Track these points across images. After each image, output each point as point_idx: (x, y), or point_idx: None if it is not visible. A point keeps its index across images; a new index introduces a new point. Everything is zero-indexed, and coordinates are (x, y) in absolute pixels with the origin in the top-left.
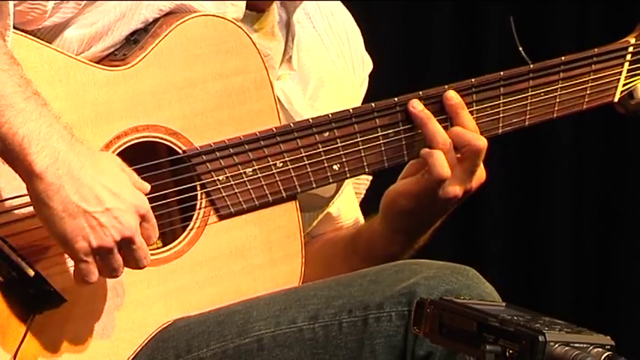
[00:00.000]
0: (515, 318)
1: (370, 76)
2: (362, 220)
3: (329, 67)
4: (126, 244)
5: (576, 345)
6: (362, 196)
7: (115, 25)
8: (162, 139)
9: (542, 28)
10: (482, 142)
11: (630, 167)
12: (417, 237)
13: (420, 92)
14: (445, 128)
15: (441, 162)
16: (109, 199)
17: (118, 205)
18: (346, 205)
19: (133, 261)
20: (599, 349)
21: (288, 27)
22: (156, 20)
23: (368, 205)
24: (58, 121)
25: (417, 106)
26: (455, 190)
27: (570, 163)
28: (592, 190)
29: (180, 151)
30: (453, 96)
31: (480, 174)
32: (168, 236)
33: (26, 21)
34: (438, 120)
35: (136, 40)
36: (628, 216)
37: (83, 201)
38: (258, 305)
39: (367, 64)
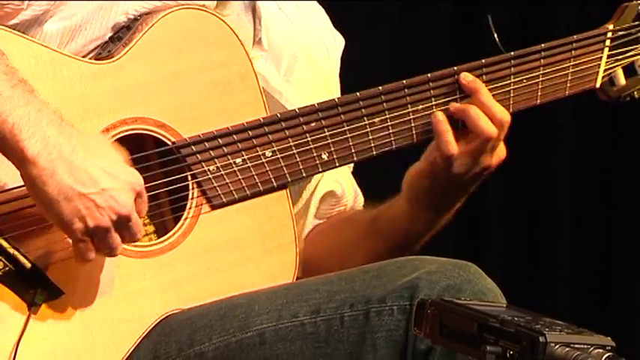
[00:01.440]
0: (515, 319)
1: (371, 72)
2: (360, 195)
3: (300, 42)
4: (122, 222)
5: (577, 346)
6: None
7: (93, 18)
8: (150, 131)
9: (545, 21)
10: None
11: (632, 166)
12: (441, 214)
13: (404, 81)
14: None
15: (446, 139)
16: (104, 179)
17: (113, 185)
18: (347, 182)
19: (129, 237)
20: (600, 350)
21: (254, 10)
22: (138, 18)
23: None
24: (47, 107)
25: (467, 77)
26: (466, 166)
27: (571, 161)
28: (593, 189)
29: (169, 143)
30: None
31: (500, 151)
32: (160, 228)
33: (4, 14)
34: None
35: (119, 37)
36: (629, 216)
37: (78, 183)
38: (259, 299)
39: (339, 41)
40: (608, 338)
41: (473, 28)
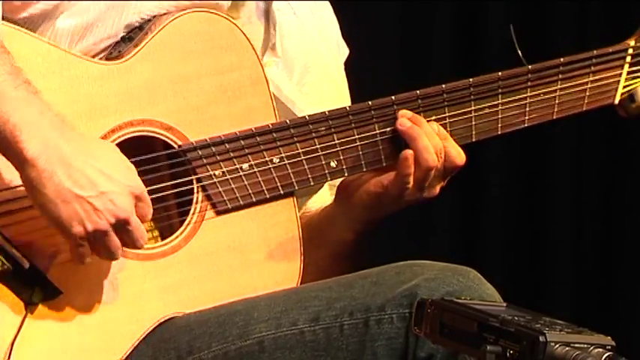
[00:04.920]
0: (515, 318)
1: (371, 75)
2: None
3: (312, 51)
4: (121, 226)
5: (577, 345)
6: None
7: (106, 16)
8: (157, 133)
9: (542, 29)
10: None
11: (632, 166)
12: (370, 227)
13: (418, 91)
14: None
15: (408, 179)
16: (102, 182)
17: (112, 188)
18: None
19: (130, 242)
20: (600, 350)
21: (267, 15)
22: (151, 18)
23: None
24: (50, 109)
25: (404, 123)
26: (414, 195)
27: (571, 162)
28: (593, 190)
29: (175, 146)
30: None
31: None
32: (165, 231)
33: (13, 8)
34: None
35: (130, 37)
36: (629, 215)
37: (76, 186)
38: (259, 306)
39: (343, 51)
40: (608, 338)
41: (473, 30)
